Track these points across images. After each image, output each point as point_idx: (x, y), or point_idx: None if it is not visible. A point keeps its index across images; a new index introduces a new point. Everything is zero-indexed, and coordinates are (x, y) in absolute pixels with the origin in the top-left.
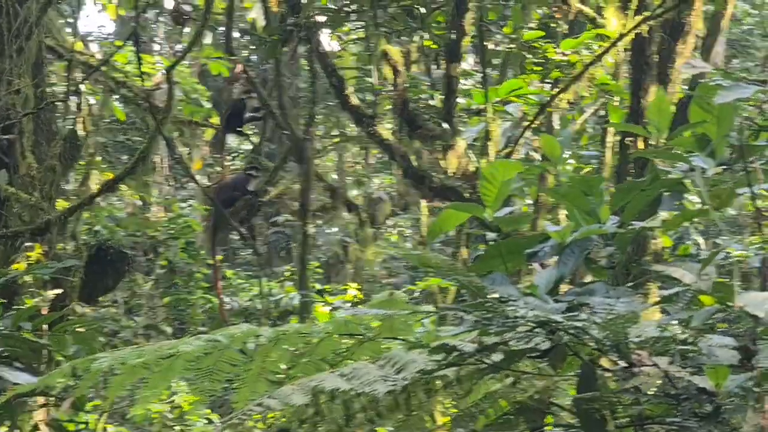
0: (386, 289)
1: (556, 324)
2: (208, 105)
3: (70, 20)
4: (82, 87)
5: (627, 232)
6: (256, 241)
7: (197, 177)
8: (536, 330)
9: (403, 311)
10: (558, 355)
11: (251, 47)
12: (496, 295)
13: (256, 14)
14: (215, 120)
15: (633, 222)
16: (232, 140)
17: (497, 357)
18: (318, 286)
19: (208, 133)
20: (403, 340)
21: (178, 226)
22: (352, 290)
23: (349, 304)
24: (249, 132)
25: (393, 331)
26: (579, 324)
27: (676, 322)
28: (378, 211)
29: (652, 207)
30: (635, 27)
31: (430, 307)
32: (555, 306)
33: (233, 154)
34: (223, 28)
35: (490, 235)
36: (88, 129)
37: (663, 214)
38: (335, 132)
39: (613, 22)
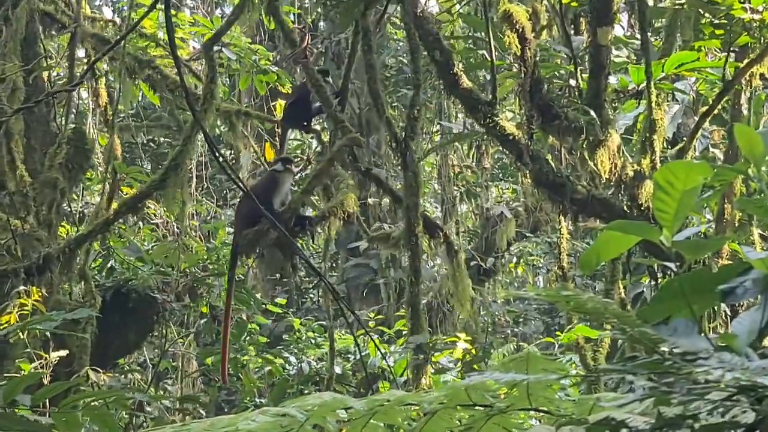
0: (510, 341)
1: (764, 389)
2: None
3: None
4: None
5: None
6: (294, 273)
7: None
8: (736, 397)
9: (549, 374)
10: None
11: (318, 11)
12: (679, 350)
13: None
14: (277, 109)
15: None
16: (295, 138)
17: None
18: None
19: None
20: (546, 412)
21: (223, 258)
22: (462, 343)
23: (458, 363)
24: (318, 127)
25: (529, 400)
26: None
27: None
28: (498, 234)
29: None
30: None
31: (574, 367)
32: (762, 364)
33: (297, 158)
34: None
35: (669, 266)
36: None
37: None
38: (436, 126)
39: None
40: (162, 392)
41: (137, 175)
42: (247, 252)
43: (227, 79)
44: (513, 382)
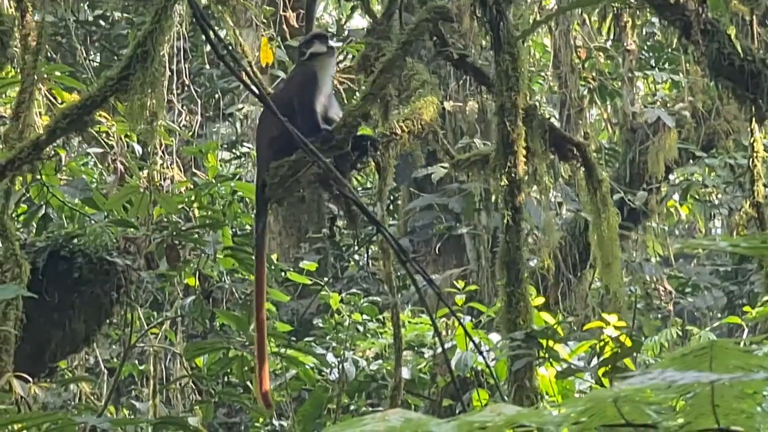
0: (673, 324)
1: None
2: None
3: None
4: None
5: None
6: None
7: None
8: None
9: (748, 374)
10: None
11: None
12: None
13: None
14: None
15: None
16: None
17: None
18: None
19: None
20: None
21: (219, 200)
22: (611, 330)
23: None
24: None
25: (715, 416)
26: None
27: None
28: (651, 154)
29: None
30: None
31: None
32: None
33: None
34: None
35: None
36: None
37: None
38: None
39: None
40: (127, 413)
41: (61, 79)
42: (280, 196)
43: None
44: (690, 388)
